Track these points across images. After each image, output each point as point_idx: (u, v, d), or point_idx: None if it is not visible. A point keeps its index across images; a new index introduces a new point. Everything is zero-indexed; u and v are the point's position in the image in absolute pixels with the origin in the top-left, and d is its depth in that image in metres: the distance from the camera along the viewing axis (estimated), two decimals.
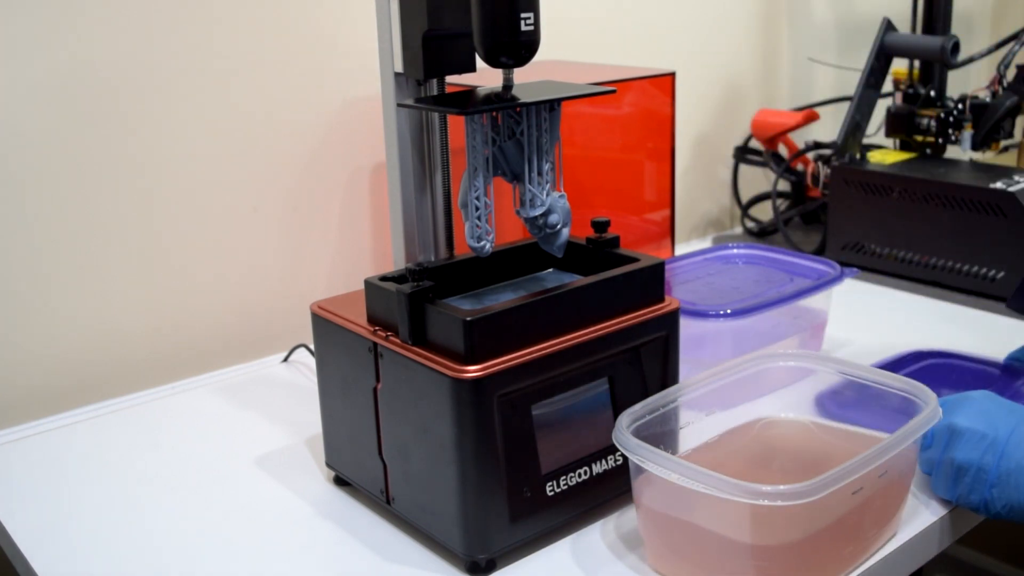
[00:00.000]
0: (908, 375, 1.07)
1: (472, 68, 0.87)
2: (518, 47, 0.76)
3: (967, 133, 1.46)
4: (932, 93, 1.51)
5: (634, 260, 0.85)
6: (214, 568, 0.80)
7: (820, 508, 0.71)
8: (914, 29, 1.54)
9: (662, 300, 0.86)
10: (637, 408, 0.79)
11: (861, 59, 1.51)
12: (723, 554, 0.73)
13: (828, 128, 1.73)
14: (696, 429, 0.87)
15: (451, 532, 0.77)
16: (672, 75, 1.33)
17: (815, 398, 0.93)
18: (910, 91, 1.53)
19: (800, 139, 1.63)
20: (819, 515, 0.72)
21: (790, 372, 0.90)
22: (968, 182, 1.31)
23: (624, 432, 0.76)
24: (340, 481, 0.91)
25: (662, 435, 0.82)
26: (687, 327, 0.92)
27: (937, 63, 1.50)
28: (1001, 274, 1.28)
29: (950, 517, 0.84)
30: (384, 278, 0.83)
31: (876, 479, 0.75)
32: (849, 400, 0.89)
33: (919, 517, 0.83)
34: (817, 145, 1.57)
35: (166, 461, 0.98)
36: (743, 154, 1.69)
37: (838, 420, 0.90)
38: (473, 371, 0.73)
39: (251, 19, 1.18)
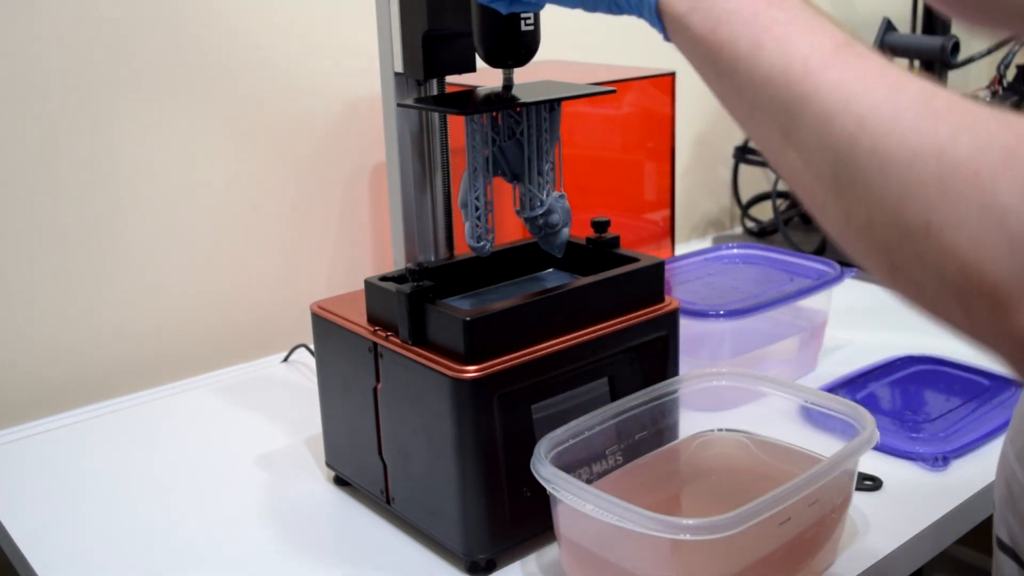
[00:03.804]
0: (897, 380, 1.07)
1: (472, 68, 0.87)
2: (518, 47, 0.76)
3: None
4: None
5: (634, 260, 0.85)
6: (214, 568, 0.80)
7: (744, 541, 0.67)
8: (914, 29, 1.54)
9: (662, 300, 0.86)
10: (559, 433, 0.75)
11: None
12: None
13: None
14: (626, 452, 0.82)
15: (451, 532, 0.77)
16: (672, 75, 1.33)
17: (757, 420, 0.88)
18: None
19: None
20: (744, 548, 0.68)
21: (731, 392, 0.86)
22: None
23: (542, 460, 0.71)
24: (340, 481, 0.91)
25: (587, 460, 0.77)
26: (687, 327, 0.92)
27: (937, 63, 1.50)
28: None
29: (950, 517, 0.84)
30: (384, 278, 0.83)
31: (805, 508, 0.71)
32: (791, 422, 0.85)
33: (919, 517, 0.83)
34: None
35: (166, 461, 0.98)
36: (743, 154, 1.69)
37: (779, 442, 0.85)
38: (473, 371, 0.73)
39: (251, 18, 1.18)
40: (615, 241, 0.89)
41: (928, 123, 0.45)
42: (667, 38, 0.59)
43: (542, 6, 0.70)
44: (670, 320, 0.86)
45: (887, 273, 0.48)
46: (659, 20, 0.58)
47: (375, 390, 0.82)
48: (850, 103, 0.48)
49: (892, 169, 0.46)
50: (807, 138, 0.50)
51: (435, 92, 0.88)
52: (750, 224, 1.69)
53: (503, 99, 0.79)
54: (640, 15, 0.60)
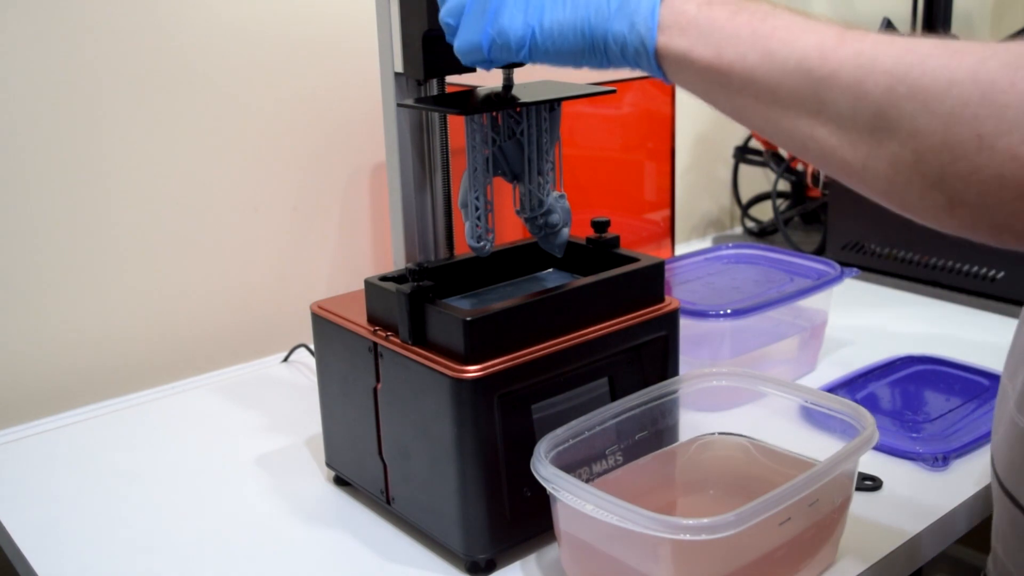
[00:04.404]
0: (897, 380, 1.07)
1: (472, 68, 0.86)
2: None
3: None
4: None
5: (634, 260, 0.85)
6: (214, 568, 0.80)
7: (744, 541, 0.66)
8: (914, 29, 1.54)
9: (662, 300, 0.86)
10: (559, 433, 0.75)
11: None
12: None
13: None
14: (626, 452, 0.82)
15: (451, 532, 0.77)
16: None
17: (756, 420, 0.88)
18: None
19: None
20: (744, 548, 0.68)
21: (731, 392, 0.86)
22: None
23: (542, 460, 0.71)
24: (340, 481, 0.91)
25: (587, 460, 0.77)
26: (687, 327, 0.92)
27: None
28: (1001, 274, 1.28)
29: (950, 517, 0.84)
30: (384, 278, 0.83)
31: (805, 508, 0.71)
32: (791, 422, 0.85)
33: (918, 518, 0.83)
34: None
35: (166, 461, 0.98)
36: (743, 154, 1.69)
37: (778, 443, 0.85)
38: (473, 371, 0.73)
39: (251, 19, 1.18)
40: (615, 241, 0.89)
41: (954, 58, 0.50)
42: (667, 80, 0.62)
43: (523, 64, 0.71)
44: (670, 320, 0.86)
45: (943, 208, 0.53)
46: (658, 66, 0.61)
47: (375, 390, 0.82)
48: (875, 63, 0.52)
49: (934, 101, 0.50)
50: (840, 109, 0.54)
51: (435, 92, 0.88)
52: (750, 224, 1.69)
53: (503, 99, 0.79)
54: (637, 67, 0.63)
